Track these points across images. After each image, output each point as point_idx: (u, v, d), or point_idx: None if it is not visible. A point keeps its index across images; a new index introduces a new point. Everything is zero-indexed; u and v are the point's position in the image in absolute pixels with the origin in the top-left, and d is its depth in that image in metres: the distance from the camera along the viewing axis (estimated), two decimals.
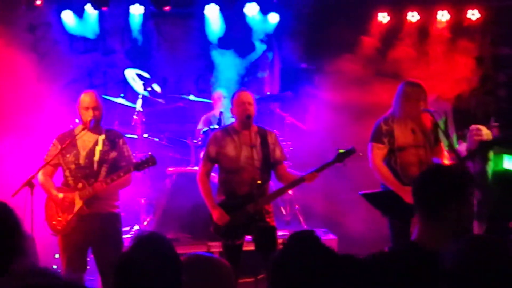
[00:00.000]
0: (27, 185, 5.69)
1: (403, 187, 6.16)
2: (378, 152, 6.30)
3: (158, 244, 2.76)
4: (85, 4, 9.22)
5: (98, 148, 5.91)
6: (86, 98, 5.91)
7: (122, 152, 5.99)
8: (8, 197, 5.21)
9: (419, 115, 6.34)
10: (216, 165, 6.20)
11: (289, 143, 8.74)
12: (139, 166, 5.79)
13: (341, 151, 6.01)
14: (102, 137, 5.96)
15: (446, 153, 6.55)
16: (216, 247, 7.38)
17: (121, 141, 6.03)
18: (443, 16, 9.92)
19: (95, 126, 5.91)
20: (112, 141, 5.97)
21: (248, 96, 6.06)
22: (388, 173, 6.24)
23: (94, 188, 5.74)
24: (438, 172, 3.30)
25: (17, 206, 5.76)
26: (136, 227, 8.41)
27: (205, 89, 9.83)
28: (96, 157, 5.88)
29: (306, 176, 5.95)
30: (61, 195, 5.80)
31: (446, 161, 6.45)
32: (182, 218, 8.09)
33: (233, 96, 6.21)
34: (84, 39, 9.67)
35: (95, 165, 5.87)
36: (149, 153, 5.90)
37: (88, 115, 5.86)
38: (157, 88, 8.89)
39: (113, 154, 5.94)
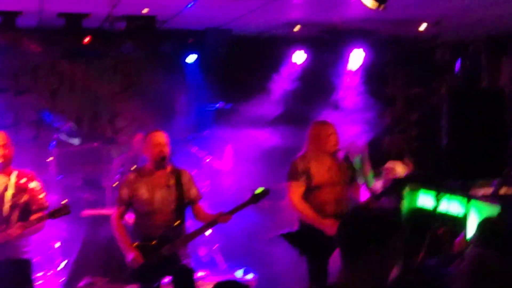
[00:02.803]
0: None
1: (324, 221, 6.18)
2: (297, 190, 6.32)
3: None
4: None
5: (9, 192, 5.67)
6: None
7: (34, 196, 5.75)
8: None
9: (334, 153, 6.42)
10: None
11: (207, 182, 8.70)
12: (52, 215, 5.60)
13: (256, 192, 5.98)
14: (13, 180, 5.72)
15: (361, 191, 6.64)
16: None
17: (33, 183, 5.80)
18: (357, 56, 10.06)
19: (4, 168, 5.70)
20: (23, 184, 5.74)
21: (163, 137, 5.95)
22: (308, 209, 6.26)
23: (4, 235, 5.50)
24: (361, 213, 3.23)
25: None
26: (50, 272, 8.16)
27: (121, 129, 9.70)
28: (7, 202, 5.64)
29: (219, 217, 5.89)
30: None
31: (362, 199, 6.54)
32: (98, 261, 7.93)
33: (146, 136, 6.09)
34: None
35: (6, 210, 5.62)
36: (63, 202, 5.74)
37: None
38: (71, 128, 8.71)
39: (24, 198, 5.69)
